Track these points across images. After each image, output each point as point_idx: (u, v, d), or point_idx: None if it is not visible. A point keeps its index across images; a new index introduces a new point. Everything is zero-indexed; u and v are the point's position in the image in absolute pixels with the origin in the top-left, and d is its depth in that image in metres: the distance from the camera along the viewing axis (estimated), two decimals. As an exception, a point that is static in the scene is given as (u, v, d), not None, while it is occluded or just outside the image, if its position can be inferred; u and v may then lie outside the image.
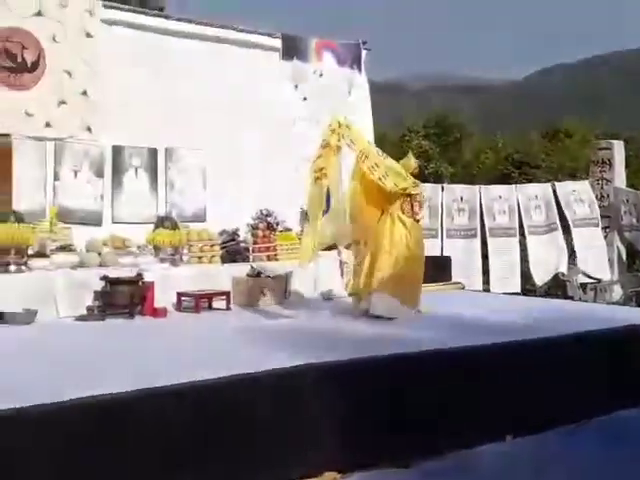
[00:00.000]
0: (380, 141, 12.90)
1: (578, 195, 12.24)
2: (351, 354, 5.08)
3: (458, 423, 5.11)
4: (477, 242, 11.83)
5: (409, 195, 7.24)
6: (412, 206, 7.25)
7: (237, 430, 4.30)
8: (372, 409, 4.80)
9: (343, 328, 6.59)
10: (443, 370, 5.21)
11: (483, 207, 11.86)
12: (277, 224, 9.16)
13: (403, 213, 7.21)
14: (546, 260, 12.11)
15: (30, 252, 7.42)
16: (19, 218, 7.46)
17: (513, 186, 12.64)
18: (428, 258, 10.80)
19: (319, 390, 4.66)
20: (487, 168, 17.52)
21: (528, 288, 11.99)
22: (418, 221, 7.39)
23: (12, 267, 7.14)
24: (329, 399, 4.65)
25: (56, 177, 8.77)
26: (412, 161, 7.57)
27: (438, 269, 10.18)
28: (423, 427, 4.96)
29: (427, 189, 11.98)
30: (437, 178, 13.37)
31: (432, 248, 11.66)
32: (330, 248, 9.37)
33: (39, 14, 8.73)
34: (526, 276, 11.82)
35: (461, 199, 11.93)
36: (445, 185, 12.47)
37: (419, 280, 7.37)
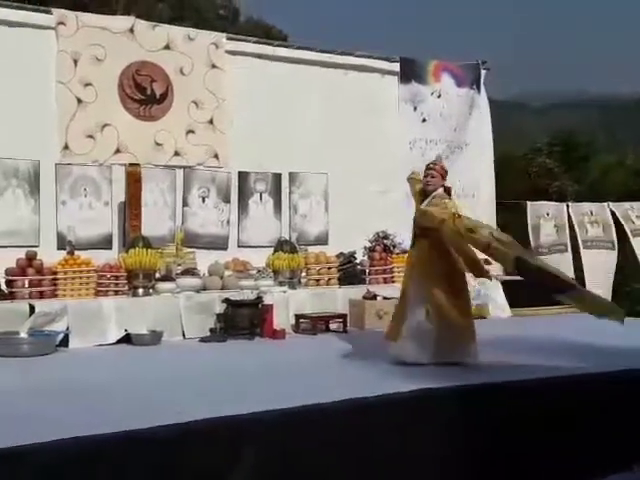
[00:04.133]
0: (502, 160, 12.76)
1: None
2: (463, 380, 5.06)
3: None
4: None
5: None
6: None
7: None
8: (493, 438, 4.75)
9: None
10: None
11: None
12: (394, 246, 9.19)
13: None
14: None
15: (157, 276, 7.80)
16: (147, 243, 7.85)
17: None
18: (516, 282, 10.56)
19: (436, 416, 4.66)
20: (615, 185, 16.91)
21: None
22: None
23: (140, 290, 7.52)
24: (444, 426, 4.65)
25: (185, 203, 9.18)
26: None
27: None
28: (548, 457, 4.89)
29: (551, 208, 11.81)
30: (561, 197, 13.03)
31: (563, 262, 11.42)
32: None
33: (167, 48, 9.18)
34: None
35: (591, 213, 11.77)
36: (571, 203, 12.17)
37: None
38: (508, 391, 5.05)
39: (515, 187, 15.62)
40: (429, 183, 6.20)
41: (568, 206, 11.78)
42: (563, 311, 9.31)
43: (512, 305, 9.42)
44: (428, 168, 6.25)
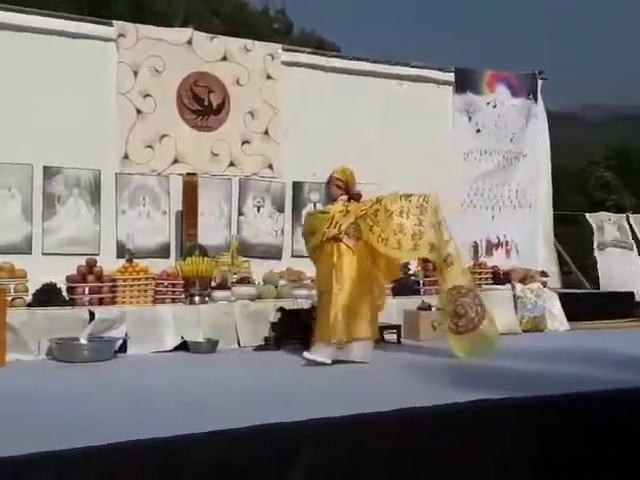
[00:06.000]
0: (559, 173, 12.61)
1: None
2: (519, 392, 4.99)
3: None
4: None
5: None
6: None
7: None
8: (550, 451, 4.67)
9: (512, 366, 6.46)
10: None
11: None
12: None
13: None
14: None
15: (213, 284, 7.87)
16: (203, 252, 7.94)
17: None
18: (609, 294, 10.45)
19: (493, 427, 4.60)
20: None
21: None
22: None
23: (196, 298, 7.59)
24: (501, 437, 4.58)
25: (240, 213, 9.27)
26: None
27: (621, 304, 9.76)
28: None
29: (611, 217, 11.66)
30: (619, 210, 12.87)
31: (624, 257, 11.25)
32: (502, 282, 9.27)
33: (224, 59, 9.31)
34: None
35: None
36: (630, 214, 11.97)
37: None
38: (567, 404, 4.96)
39: (572, 200, 15.44)
40: (329, 192, 6.95)
41: (628, 217, 11.60)
42: (624, 325, 9.17)
43: (570, 318, 9.26)
44: (329, 178, 6.90)
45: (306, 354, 6.44)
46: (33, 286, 7.23)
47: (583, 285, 11.35)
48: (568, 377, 5.70)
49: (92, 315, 7.05)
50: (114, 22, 8.86)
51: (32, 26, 8.27)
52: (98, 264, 7.61)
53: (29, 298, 7.14)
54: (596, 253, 11.36)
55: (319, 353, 6.38)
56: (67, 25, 8.53)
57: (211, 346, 7.19)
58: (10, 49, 8.10)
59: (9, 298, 6.86)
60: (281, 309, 7.63)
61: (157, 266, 8.01)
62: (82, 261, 7.61)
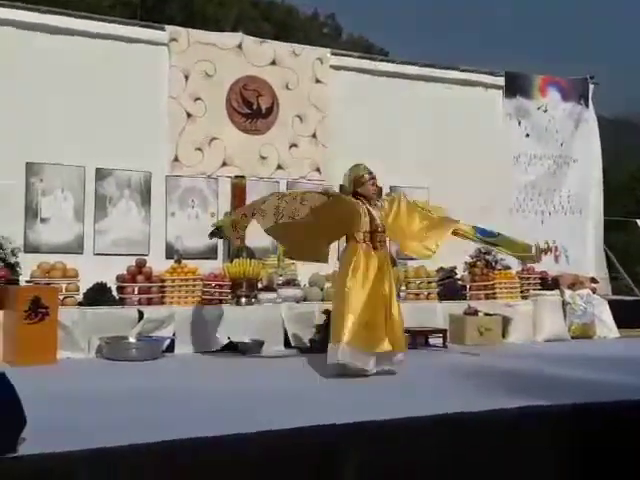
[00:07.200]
0: (608, 179, 12.44)
1: None
2: (566, 399, 4.93)
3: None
4: None
5: None
6: None
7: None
8: (598, 458, 4.61)
9: (560, 373, 6.38)
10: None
11: None
12: (495, 262, 9.06)
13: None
14: None
15: (259, 286, 7.94)
16: (250, 254, 8.02)
17: None
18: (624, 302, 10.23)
19: (541, 434, 4.56)
20: None
21: None
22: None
23: (243, 300, 7.66)
24: (549, 445, 4.54)
25: (288, 215, 9.31)
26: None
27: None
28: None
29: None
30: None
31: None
32: (550, 288, 9.16)
33: (273, 63, 9.39)
34: None
35: None
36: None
37: None
38: (614, 411, 4.89)
39: (621, 206, 15.20)
40: (373, 189, 6.65)
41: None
42: None
43: (620, 325, 9.12)
44: (371, 177, 6.60)
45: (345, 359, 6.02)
46: (84, 285, 7.38)
47: (633, 292, 11.16)
48: (616, 385, 5.61)
49: (141, 315, 7.16)
50: (166, 27, 9.01)
51: (86, 30, 8.44)
52: (147, 264, 7.73)
53: (80, 297, 7.29)
54: None
55: (362, 360, 6.07)
56: (120, 30, 8.68)
57: (257, 347, 7.25)
58: (63, 53, 8.26)
59: (61, 297, 7.01)
60: (326, 311, 7.61)
61: (205, 267, 8.10)
62: (132, 261, 7.73)
